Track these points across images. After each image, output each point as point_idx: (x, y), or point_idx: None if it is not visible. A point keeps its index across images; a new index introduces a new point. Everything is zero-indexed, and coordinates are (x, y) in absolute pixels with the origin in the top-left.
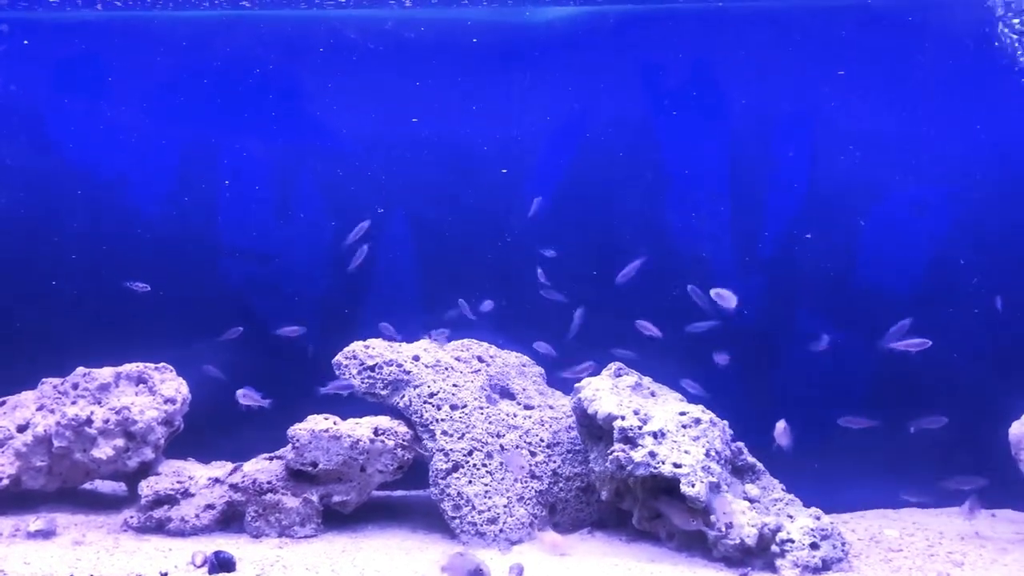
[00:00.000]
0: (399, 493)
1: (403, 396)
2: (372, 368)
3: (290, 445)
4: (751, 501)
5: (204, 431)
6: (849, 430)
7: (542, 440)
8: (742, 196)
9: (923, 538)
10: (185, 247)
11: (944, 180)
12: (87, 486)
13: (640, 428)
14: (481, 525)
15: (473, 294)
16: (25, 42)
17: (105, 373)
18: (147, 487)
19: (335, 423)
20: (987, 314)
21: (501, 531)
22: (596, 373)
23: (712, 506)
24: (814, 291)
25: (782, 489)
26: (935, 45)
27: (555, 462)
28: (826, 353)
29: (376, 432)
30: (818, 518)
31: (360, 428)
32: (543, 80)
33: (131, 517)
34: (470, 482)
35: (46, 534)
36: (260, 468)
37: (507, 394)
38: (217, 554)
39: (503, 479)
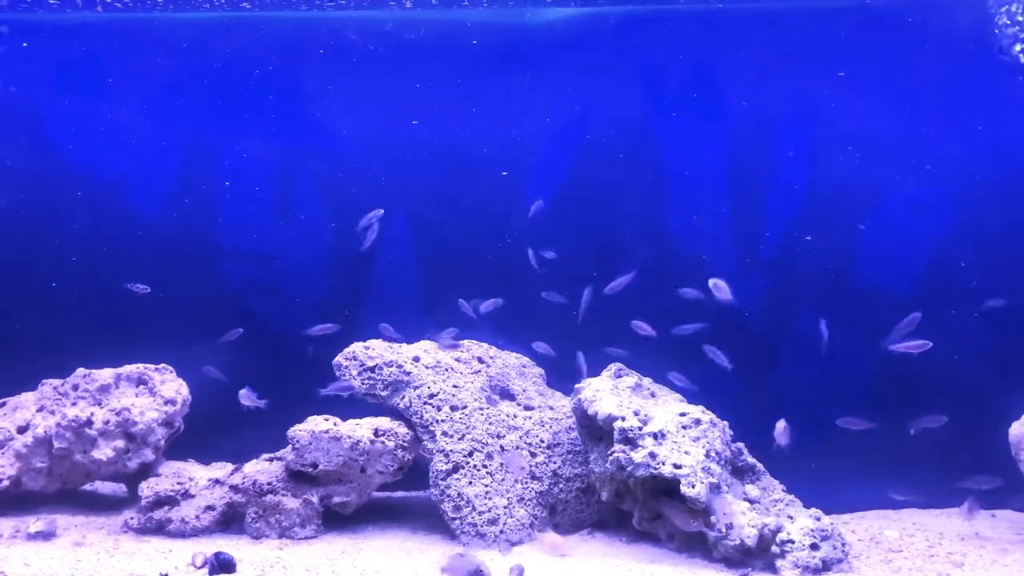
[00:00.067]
0: (399, 494)
1: (403, 397)
2: (372, 369)
3: (290, 446)
4: (751, 502)
5: (204, 432)
6: (849, 431)
7: (542, 441)
8: (742, 197)
9: (923, 539)
10: (185, 248)
11: (944, 180)
12: (87, 487)
13: (640, 429)
14: (481, 526)
15: (473, 295)
16: (24, 44)
17: (105, 374)
18: (147, 488)
19: (335, 424)
20: (987, 314)
21: (501, 532)
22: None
23: (712, 507)
24: (814, 291)
25: (782, 490)
26: (934, 46)
27: (555, 463)
28: (826, 354)
29: (376, 433)
30: (818, 519)
31: (360, 429)
32: (543, 81)
33: (131, 518)
34: (470, 483)
35: (46, 535)
36: (260, 469)
37: (507, 395)
38: (217, 555)
39: (503, 480)
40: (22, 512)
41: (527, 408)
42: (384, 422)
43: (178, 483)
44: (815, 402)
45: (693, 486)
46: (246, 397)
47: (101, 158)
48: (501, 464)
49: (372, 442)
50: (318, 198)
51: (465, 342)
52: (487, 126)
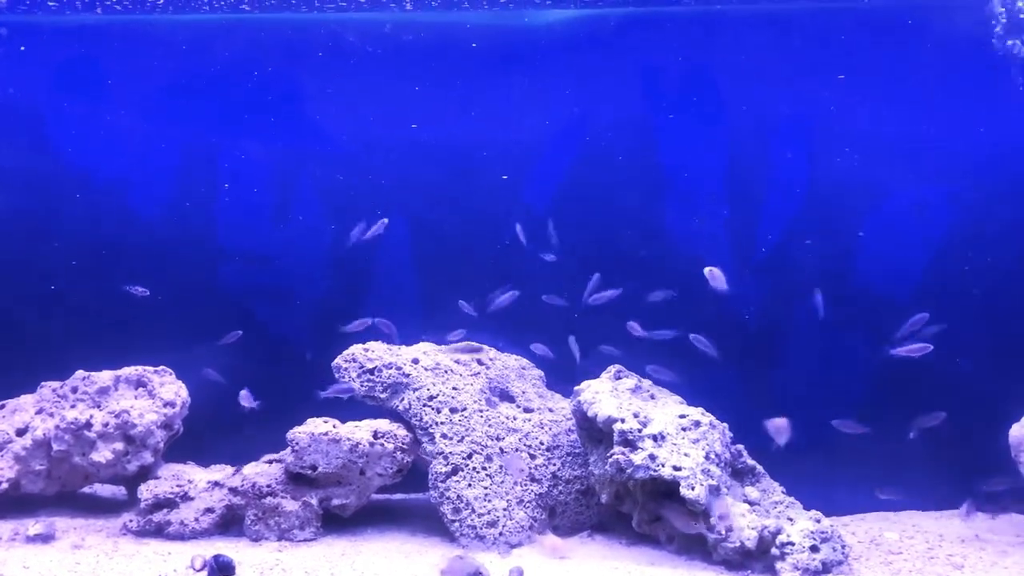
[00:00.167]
0: (398, 496)
1: (402, 399)
2: (371, 371)
3: (289, 448)
4: (751, 504)
5: (203, 434)
6: (849, 432)
7: (542, 443)
8: (742, 198)
9: (923, 541)
10: (184, 250)
11: (944, 182)
12: (86, 490)
13: (640, 431)
14: (481, 528)
15: (472, 296)
16: (22, 48)
17: (104, 377)
18: (146, 491)
19: (334, 426)
20: (987, 316)
21: (501, 534)
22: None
23: (712, 509)
24: (814, 293)
25: (782, 492)
26: (934, 48)
27: (555, 465)
28: (826, 355)
29: (375, 435)
30: (818, 521)
31: (359, 431)
32: (543, 83)
33: (130, 521)
34: (469, 485)
35: (45, 538)
36: (259, 471)
37: (507, 397)
38: (216, 558)
39: (503, 482)
40: (21, 515)
41: (527, 410)
42: (383, 424)
43: (177, 485)
44: (815, 403)
45: (693, 488)
46: (245, 398)
47: (100, 160)
48: (500, 466)
49: (371, 444)
50: (317, 200)
51: (464, 344)
52: (487, 128)
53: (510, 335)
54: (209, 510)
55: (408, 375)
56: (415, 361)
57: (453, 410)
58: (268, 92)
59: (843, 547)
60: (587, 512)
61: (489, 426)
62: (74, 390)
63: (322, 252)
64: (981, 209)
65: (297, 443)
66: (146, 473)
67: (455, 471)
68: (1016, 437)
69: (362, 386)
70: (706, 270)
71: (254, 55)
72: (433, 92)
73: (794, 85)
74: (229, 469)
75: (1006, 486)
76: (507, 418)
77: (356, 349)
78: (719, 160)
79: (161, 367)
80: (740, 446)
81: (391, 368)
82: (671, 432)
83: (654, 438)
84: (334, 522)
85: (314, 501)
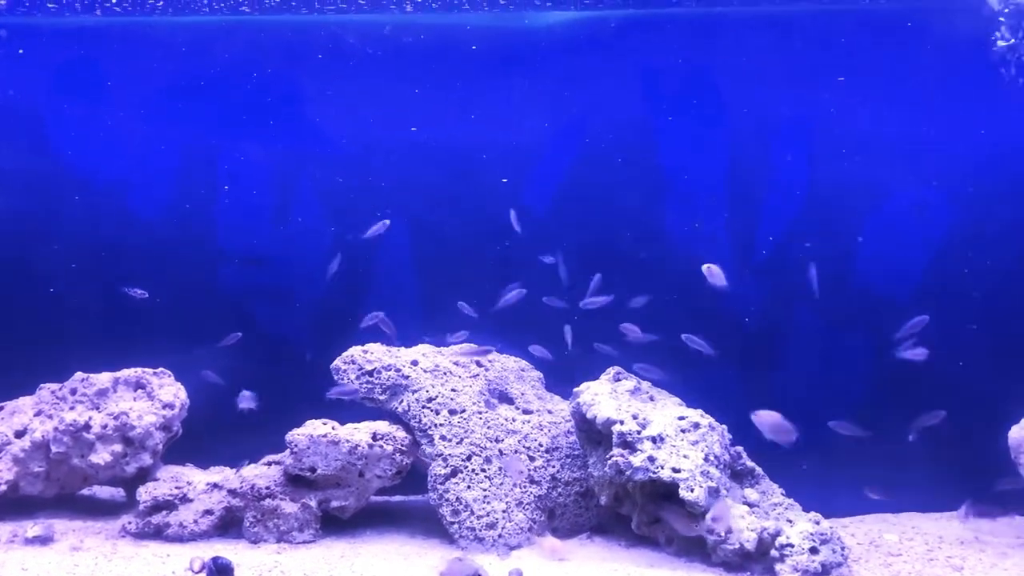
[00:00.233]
0: (397, 498)
1: (401, 401)
2: (370, 373)
3: (288, 450)
4: (750, 505)
5: (203, 436)
6: (845, 434)
7: (541, 445)
8: (742, 200)
9: (922, 542)
10: (184, 252)
11: (944, 182)
12: (85, 492)
13: (639, 433)
14: (480, 530)
15: (472, 298)
16: (20, 51)
17: (103, 378)
18: (145, 493)
19: (333, 428)
20: (987, 317)
21: (500, 536)
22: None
23: (711, 511)
24: (814, 295)
25: (781, 493)
26: (934, 49)
27: (554, 467)
28: (826, 356)
29: (374, 437)
30: (817, 522)
31: (358, 433)
32: (543, 85)
33: (129, 523)
34: (469, 487)
35: (44, 540)
36: (259, 473)
37: (506, 399)
38: (215, 560)
39: (502, 484)
40: (19, 517)
41: (526, 412)
42: (382, 426)
43: (176, 487)
44: (815, 405)
45: (692, 490)
46: (245, 400)
47: (100, 162)
48: (500, 468)
49: (370, 446)
50: (317, 202)
51: (463, 346)
52: (486, 130)
53: (509, 336)
54: (208, 512)
55: (407, 377)
56: (414, 363)
57: (452, 412)
58: (268, 94)
59: (842, 549)
60: (586, 514)
61: (488, 428)
62: (73, 392)
63: (322, 254)
64: (981, 210)
65: (296, 445)
66: (145, 475)
67: (454, 473)
68: (1016, 439)
69: (361, 388)
70: (704, 267)
71: (254, 57)
72: (433, 94)
73: (794, 87)
74: (228, 471)
75: (1018, 486)
76: (506, 420)
77: (355, 351)
78: (719, 162)
79: (160, 369)
80: (739, 448)
81: (390, 370)
82: (670, 434)
83: (653, 440)
84: (333, 524)
85: (313, 503)
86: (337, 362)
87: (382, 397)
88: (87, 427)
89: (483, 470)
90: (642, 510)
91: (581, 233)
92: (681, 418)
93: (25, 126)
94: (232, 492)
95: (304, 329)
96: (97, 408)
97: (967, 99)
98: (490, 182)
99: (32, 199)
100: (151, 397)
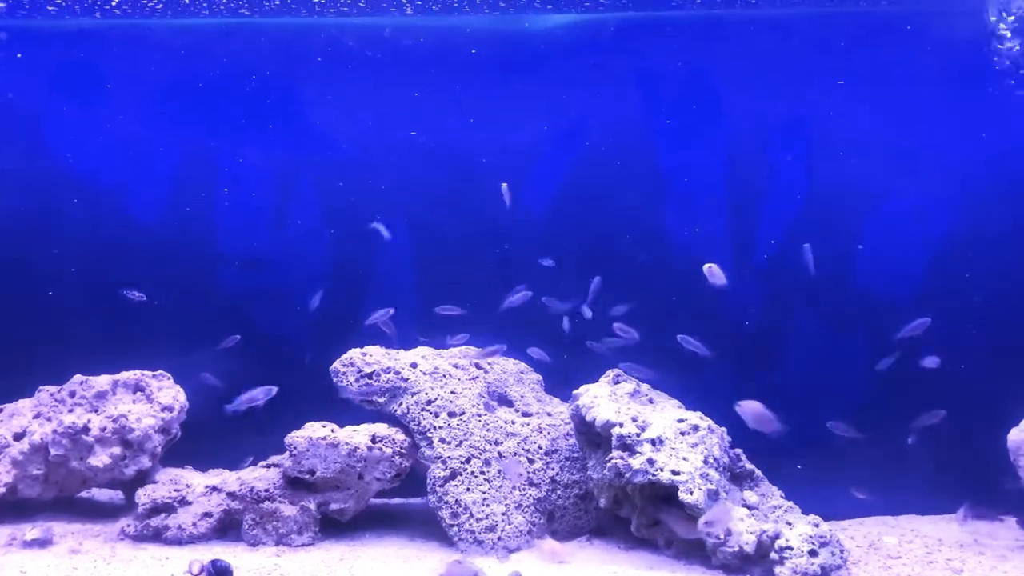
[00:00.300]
0: (397, 501)
1: (401, 403)
2: (370, 375)
3: (287, 453)
4: (750, 508)
5: (201, 439)
6: (848, 436)
7: (540, 447)
8: (741, 202)
9: (922, 545)
10: (183, 255)
11: (944, 184)
12: (84, 494)
13: (638, 435)
14: (479, 533)
15: (472, 299)
16: (19, 55)
17: (102, 381)
18: (144, 495)
19: (332, 431)
20: (987, 319)
21: (499, 539)
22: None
23: (710, 513)
24: (813, 296)
25: (781, 496)
26: (933, 52)
27: (553, 469)
28: (826, 358)
29: (374, 440)
30: (817, 525)
31: (358, 436)
32: (543, 88)
33: (128, 526)
34: (468, 490)
35: (42, 543)
36: (258, 476)
37: (505, 401)
38: (214, 562)
39: (501, 486)
40: (18, 519)
41: (525, 414)
42: (382, 428)
43: (175, 490)
44: (815, 406)
45: (691, 492)
46: (244, 401)
47: (98, 164)
48: (499, 471)
49: (369, 448)
50: (316, 204)
51: (463, 348)
52: (486, 133)
53: (508, 338)
54: (207, 515)
55: (406, 379)
56: (413, 365)
57: (451, 414)
58: (267, 96)
59: (842, 551)
60: (586, 516)
61: (487, 430)
62: (72, 394)
63: (321, 256)
64: (981, 211)
65: (295, 447)
66: (144, 478)
67: (453, 475)
68: (1015, 441)
69: (360, 390)
70: (705, 267)
71: (253, 59)
72: (433, 96)
73: (793, 90)
74: (227, 473)
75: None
76: (505, 422)
77: (354, 353)
78: (719, 164)
79: (159, 372)
80: (739, 450)
81: (389, 372)
82: (669, 436)
83: (652, 442)
84: (332, 527)
85: (312, 506)
86: (336, 364)
87: (381, 399)
88: (86, 430)
89: (482, 473)
90: (641, 513)
91: (581, 235)
92: (680, 420)
93: (24, 128)
94: (231, 495)
95: (303, 332)
96: (96, 411)
97: (967, 101)
98: (490, 184)
99: (31, 201)
100: (150, 400)
